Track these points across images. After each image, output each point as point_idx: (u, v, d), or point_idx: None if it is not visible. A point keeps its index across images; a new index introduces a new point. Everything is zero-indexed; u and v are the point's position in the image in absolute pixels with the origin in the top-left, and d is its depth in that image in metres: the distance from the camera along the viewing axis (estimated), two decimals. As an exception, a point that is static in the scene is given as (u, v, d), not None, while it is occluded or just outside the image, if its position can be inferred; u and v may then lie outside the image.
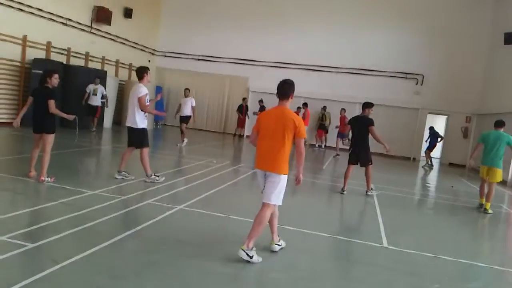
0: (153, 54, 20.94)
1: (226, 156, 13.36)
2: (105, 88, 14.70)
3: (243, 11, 20.01)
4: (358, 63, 18.69)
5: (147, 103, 7.04)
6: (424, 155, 16.99)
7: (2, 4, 12.11)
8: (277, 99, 4.39)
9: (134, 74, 19.06)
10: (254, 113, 18.22)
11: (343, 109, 16.73)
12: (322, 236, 5.32)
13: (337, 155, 15.58)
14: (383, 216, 6.79)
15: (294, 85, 4.39)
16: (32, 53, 13.28)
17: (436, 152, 17.83)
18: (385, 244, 5.25)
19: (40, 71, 12.33)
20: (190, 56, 20.60)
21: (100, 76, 14.38)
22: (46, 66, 12.49)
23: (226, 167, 10.02)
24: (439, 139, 16.41)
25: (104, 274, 3.52)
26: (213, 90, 20.65)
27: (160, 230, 4.96)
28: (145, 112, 7.10)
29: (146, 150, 7.18)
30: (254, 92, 19.65)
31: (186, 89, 13.36)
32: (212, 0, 20.49)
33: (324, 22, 19.12)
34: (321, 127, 18.57)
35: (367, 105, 8.39)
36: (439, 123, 19.23)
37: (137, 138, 7.10)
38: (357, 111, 18.85)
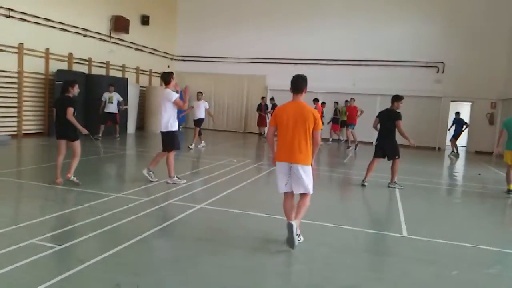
0: (172, 59, 21.28)
1: (247, 155, 13.47)
2: (125, 95, 15.03)
3: (258, 10, 20.10)
4: (377, 55, 18.50)
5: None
6: (450, 144, 16.64)
7: (26, 20, 12.61)
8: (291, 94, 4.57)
9: (154, 79, 19.60)
10: (269, 112, 18.29)
11: (352, 99, 16.34)
12: (341, 229, 5.35)
13: (356, 145, 15.41)
14: (404, 206, 6.74)
15: (307, 79, 4.58)
16: (55, 65, 13.76)
17: (462, 140, 17.44)
18: (404, 233, 5.23)
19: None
20: (208, 59, 20.84)
21: (113, 84, 14.38)
22: (69, 77, 12.97)
23: (246, 165, 10.12)
24: (464, 126, 16.04)
25: (127, 271, 3.67)
26: (232, 90, 20.86)
27: (181, 229, 5.12)
28: (183, 110, 7.64)
29: (173, 153, 7.42)
30: (273, 90, 19.68)
31: (199, 92, 13.48)
32: (226, 2, 20.66)
33: (340, 15, 19.00)
34: (335, 121, 18.43)
35: (396, 98, 8.22)
36: (464, 111, 18.78)
37: (169, 140, 7.34)
38: (378, 103, 18.72)
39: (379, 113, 8.52)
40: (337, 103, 18.43)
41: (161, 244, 4.52)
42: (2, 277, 3.37)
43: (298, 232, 4.37)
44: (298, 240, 4.55)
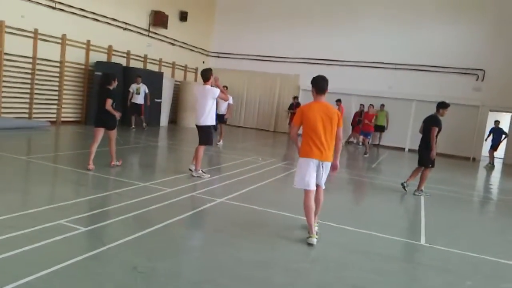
0: (207, 55, 21.63)
1: (274, 153, 13.55)
2: (160, 89, 15.36)
3: (294, 9, 20.07)
4: (414, 59, 18.07)
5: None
6: (487, 154, 16.04)
7: (70, 12, 13.20)
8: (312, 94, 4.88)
9: (189, 75, 20.00)
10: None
11: (371, 105, 15.30)
12: (358, 232, 5.36)
13: (366, 153, 14.51)
14: (428, 215, 6.65)
15: (328, 80, 4.81)
16: (95, 57, 14.31)
17: (500, 152, 16.80)
18: (422, 241, 5.18)
19: (102, 73, 13.37)
20: (242, 56, 21.03)
21: (141, 75, 14.58)
22: (108, 68, 13.49)
23: (271, 164, 10.21)
24: (503, 136, 15.45)
25: (144, 256, 3.86)
26: (264, 88, 20.94)
27: (200, 220, 5.31)
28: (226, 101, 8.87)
29: (204, 147, 7.70)
30: (305, 90, 19.60)
31: (224, 86, 12.90)
32: (263, 1, 20.77)
33: (377, 18, 18.68)
34: (359, 123, 18.06)
35: (440, 105, 7.94)
36: (503, 121, 18.08)
37: (206, 134, 7.62)
38: (413, 109, 18.37)
39: (424, 118, 8.29)
40: (363, 105, 18.00)
41: (180, 233, 4.70)
42: (29, 252, 3.63)
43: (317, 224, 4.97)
44: (316, 239, 4.66)
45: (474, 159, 17.56)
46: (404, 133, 18.51)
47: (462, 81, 17.61)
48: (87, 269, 3.48)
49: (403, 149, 18.54)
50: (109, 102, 7.20)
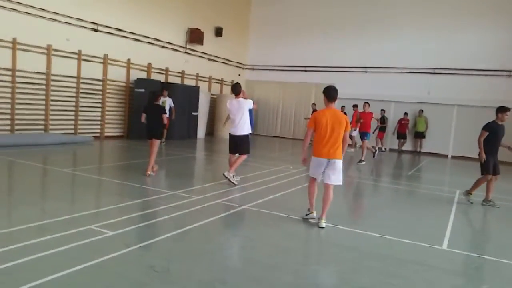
0: (243, 68, 22.11)
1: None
2: (196, 102, 15.84)
3: (329, 18, 20.12)
4: (454, 63, 17.55)
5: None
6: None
7: (111, 33, 14.07)
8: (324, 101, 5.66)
9: (225, 88, 20.53)
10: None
11: (366, 103, 13.64)
12: (375, 237, 5.34)
13: (374, 153, 13.77)
14: (456, 221, 6.48)
15: (337, 90, 5.63)
16: (135, 74, 15.11)
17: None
18: (444, 246, 5.09)
19: (142, 90, 14.10)
20: (277, 67, 21.33)
21: (167, 89, 14.22)
22: (147, 85, 14.18)
23: (302, 172, 10.28)
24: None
25: (162, 257, 4.12)
26: (300, 98, 21.09)
27: (220, 225, 5.53)
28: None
29: (246, 156, 8.22)
30: (341, 98, 19.41)
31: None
32: (296, 12, 20.98)
33: (413, 22, 18.36)
34: (382, 129, 17.62)
35: (497, 110, 7.73)
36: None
37: (248, 143, 8.16)
38: (454, 114, 17.79)
39: None
40: (384, 111, 17.66)
41: (199, 237, 4.92)
42: (57, 253, 3.99)
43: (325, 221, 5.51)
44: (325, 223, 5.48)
45: (525, 164, 16.64)
46: (446, 139, 17.97)
47: (506, 84, 16.86)
48: (107, 269, 3.77)
49: (446, 155, 17.93)
50: (165, 116, 8.36)
